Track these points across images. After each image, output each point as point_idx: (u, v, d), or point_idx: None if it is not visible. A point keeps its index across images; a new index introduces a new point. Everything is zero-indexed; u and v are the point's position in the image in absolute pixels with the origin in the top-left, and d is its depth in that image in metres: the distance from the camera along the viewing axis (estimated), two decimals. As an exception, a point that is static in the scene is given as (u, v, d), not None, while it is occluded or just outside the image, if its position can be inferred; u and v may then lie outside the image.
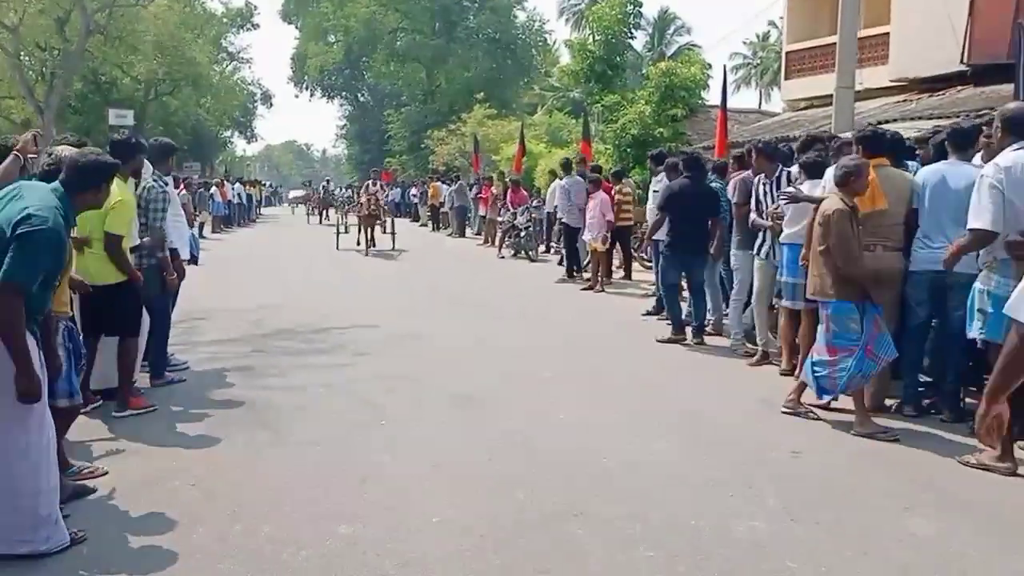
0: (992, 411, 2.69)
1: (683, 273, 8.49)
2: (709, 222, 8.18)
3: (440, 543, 3.75)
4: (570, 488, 4.41)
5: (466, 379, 6.84)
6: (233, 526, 3.96)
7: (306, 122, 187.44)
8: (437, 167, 35.12)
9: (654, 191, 9.39)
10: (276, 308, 10.49)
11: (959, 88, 14.25)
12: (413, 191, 33.63)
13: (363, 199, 18.44)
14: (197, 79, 38.80)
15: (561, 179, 13.80)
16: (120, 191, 5.55)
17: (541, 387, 6.64)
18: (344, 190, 35.86)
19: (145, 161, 6.16)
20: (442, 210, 26.21)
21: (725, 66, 16.21)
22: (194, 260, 7.62)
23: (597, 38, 23.52)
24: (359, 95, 58.26)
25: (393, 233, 18.71)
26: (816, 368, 5.45)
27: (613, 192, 12.32)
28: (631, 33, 24.53)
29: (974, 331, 4.71)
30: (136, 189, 5.97)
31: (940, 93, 14.58)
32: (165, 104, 40.80)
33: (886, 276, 5.64)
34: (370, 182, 20.37)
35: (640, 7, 23.81)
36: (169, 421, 5.69)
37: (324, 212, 32.35)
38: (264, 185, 44.01)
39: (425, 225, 28.72)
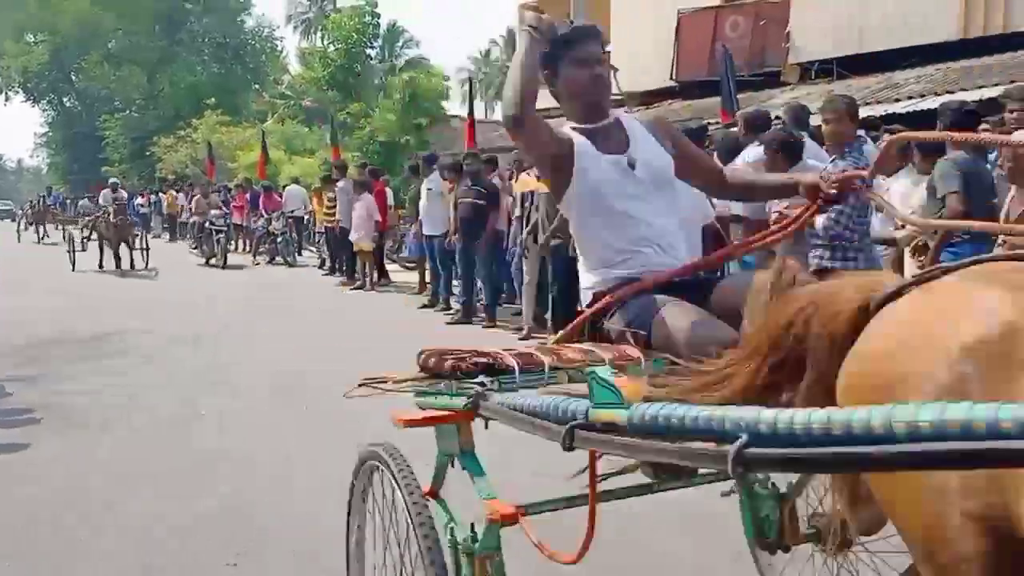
0: None
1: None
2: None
3: (308, 498, 4.10)
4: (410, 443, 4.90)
5: (269, 371, 7.04)
6: (98, 509, 4.03)
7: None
8: (166, 175, 33.37)
9: (428, 189, 9.98)
10: (32, 321, 9.81)
11: (670, 101, 16.34)
12: (139, 200, 31.55)
13: None
14: None
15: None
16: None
17: (349, 369, 6.99)
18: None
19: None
20: (180, 219, 25.04)
21: (471, 79, 17.32)
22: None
23: (337, 47, 23.87)
24: (64, 99, 53.40)
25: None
26: None
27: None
28: (370, 43, 25.14)
29: None
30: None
31: (655, 105, 16.60)
32: None
33: None
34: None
35: (378, 18, 24.55)
36: (-42, 431, 5.40)
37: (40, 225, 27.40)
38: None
39: (159, 236, 27.24)
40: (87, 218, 18.59)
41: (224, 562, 3.43)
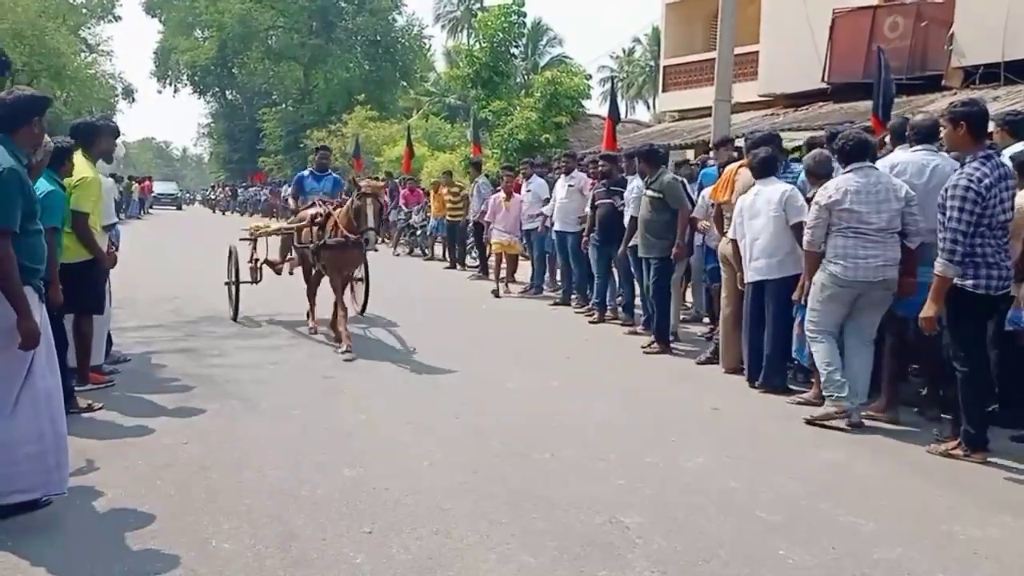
0: None
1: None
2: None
3: (438, 479, 4.28)
4: (536, 438, 5.02)
5: (410, 356, 7.32)
6: (243, 472, 4.35)
7: (163, 119, 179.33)
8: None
9: (569, 186, 9.98)
10: (188, 299, 10.51)
11: (820, 104, 15.79)
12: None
13: None
14: (60, 71, 36.89)
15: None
16: (86, 169, 5.76)
17: (482, 362, 7.20)
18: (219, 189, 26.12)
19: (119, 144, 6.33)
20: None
21: (613, 79, 17.27)
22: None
23: (484, 45, 24.28)
24: (227, 92, 56.86)
25: None
26: None
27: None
28: (515, 42, 25.44)
29: None
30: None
31: (804, 108, 16.10)
32: (22, 95, 38.54)
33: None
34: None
35: (524, 16, 24.79)
36: (131, 395, 5.90)
37: None
38: (141, 181, 40.46)
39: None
40: None
41: (360, 529, 3.63)
